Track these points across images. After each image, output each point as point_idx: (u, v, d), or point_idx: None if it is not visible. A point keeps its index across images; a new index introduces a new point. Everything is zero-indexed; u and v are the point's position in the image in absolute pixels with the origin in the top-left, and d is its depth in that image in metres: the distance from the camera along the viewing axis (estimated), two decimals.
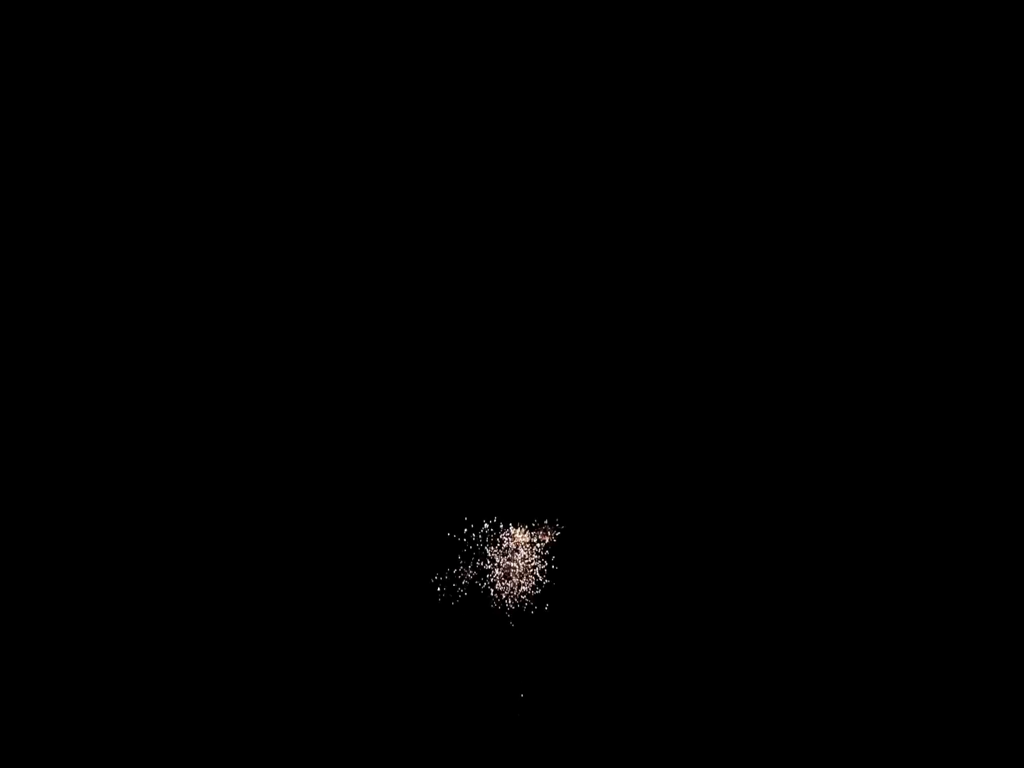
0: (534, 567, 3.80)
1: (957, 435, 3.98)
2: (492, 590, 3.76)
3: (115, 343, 4.20)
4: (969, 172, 4.13)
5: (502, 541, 3.82)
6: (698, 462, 3.99)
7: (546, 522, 3.86)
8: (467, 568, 3.79)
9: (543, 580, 3.79)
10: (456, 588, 3.79)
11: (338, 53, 4.22)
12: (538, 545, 3.83)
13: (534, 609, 3.76)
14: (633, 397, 4.07)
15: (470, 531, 3.78)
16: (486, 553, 3.81)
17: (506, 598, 3.74)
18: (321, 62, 4.25)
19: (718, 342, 4.12)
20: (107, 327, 4.20)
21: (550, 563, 3.82)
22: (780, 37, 4.14)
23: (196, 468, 4.14)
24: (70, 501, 4.05)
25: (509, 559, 3.80)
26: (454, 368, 4.12)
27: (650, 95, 4.21)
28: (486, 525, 3.77)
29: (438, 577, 3.72)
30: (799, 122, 4.18)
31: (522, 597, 3.76)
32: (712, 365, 4.10)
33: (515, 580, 3.77)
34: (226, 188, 4.25)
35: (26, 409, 4.06)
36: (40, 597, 3.93)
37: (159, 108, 4.23)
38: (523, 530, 3.84)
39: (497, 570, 3.79)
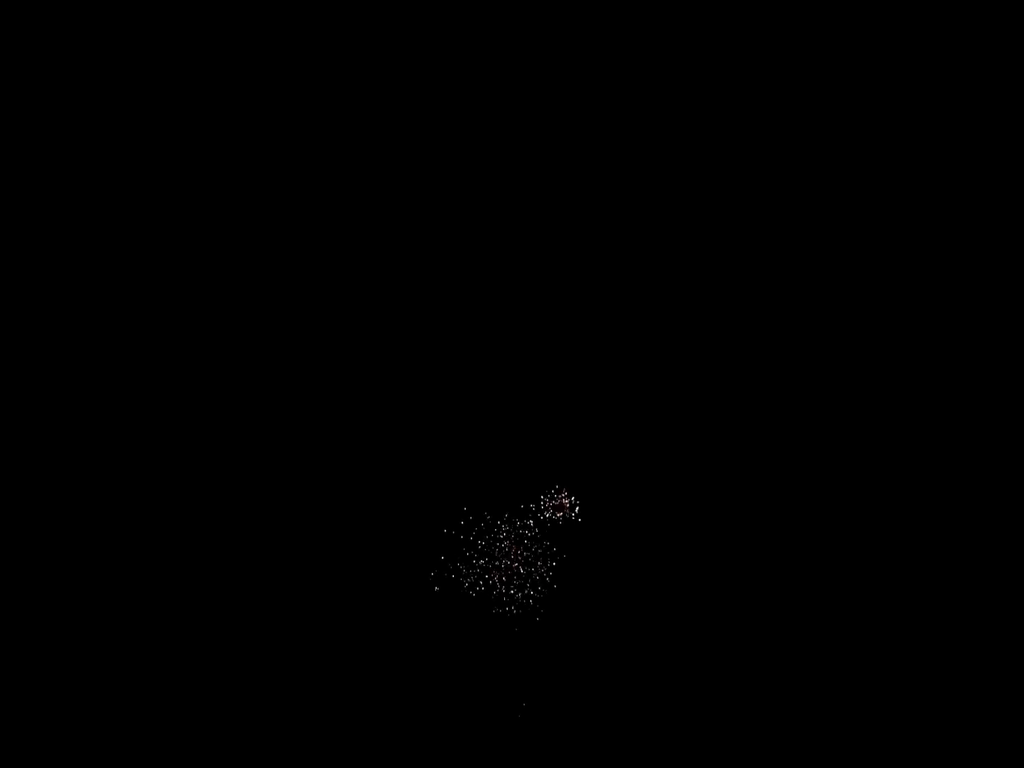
0: (539, 566, 3.79)
1: (957, 436, 3.98)
2: (493, 592, 3.76)
3: (115, 343, 4.21)
4: (969, 172, 4.13)
5: (505, 538, 3.82)
6: (705, 459, 3.99)
7: (550, 518, 3.86)
8: (467, 568, 3.79)
9: (548, 582, 3.78)
10: (456, 589, 3.78)
11: (338, 53, 4.23)
12: (543, 543, 3.82)
13: (538, 612, 3.76)
14: (637, 392, 4.08)
15: (470, 528, 3.78)
16: (488, 551, 3.81)
17: (509, 600, 3.74)
18: (320, 62, 4.25)
19: (719, 342, 4.12)
20: (107, 327, 4.21)
21: (555, 562, 3.81)
22: (780, 37, 4.14)
23: (194, 466, 4.15)
24: (69, 500, 4.06)
25: (512, 559, 3.80)
26: (454, 363, 4.12)
27: (650, 95, 4.22)
28: (488, 518, 3.75)
29: (436, 576, 3.72)
30: (799, 122, 4.19)
31: (525, 599, 3.76)
32: (715, 365, 4.11)
33: (518, 581, 3.77)
34: (226, 188, 4.26)
35: (26, 409, 4.07)
36: (40, 597, 3.94)
37: (158, 108, 4.25)
38: (526, 527, 3.84)
39: (499, 570, 3.79)
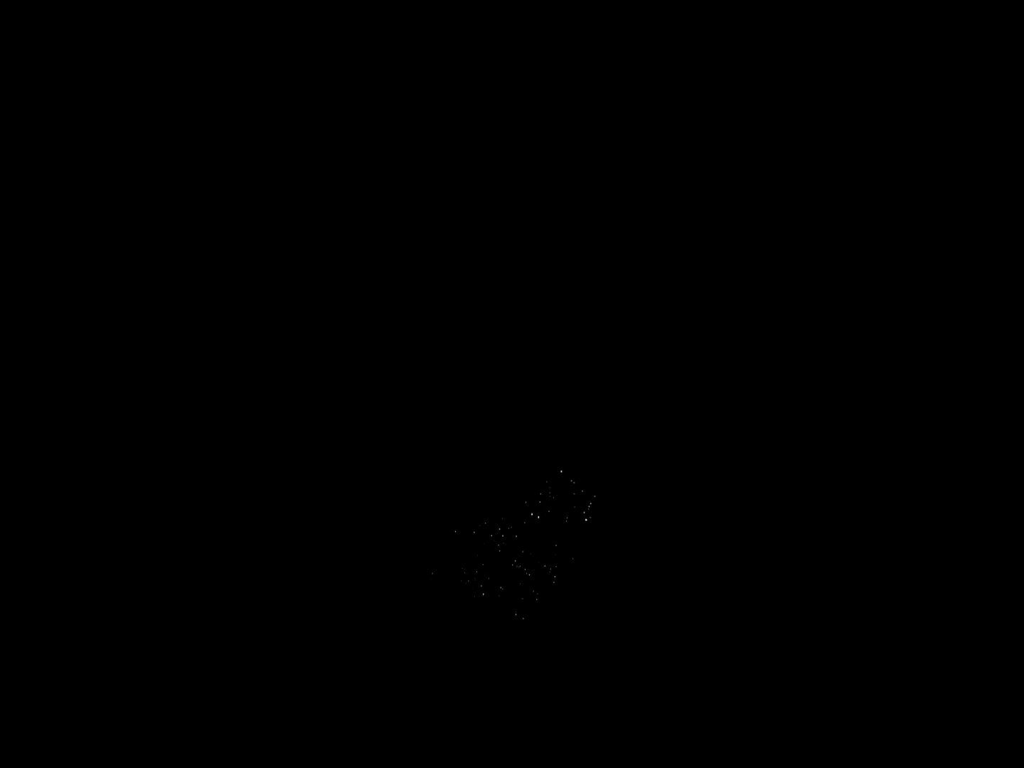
0: (539, 566, 3.79)
1: (957, 436, 3.98)
2: (494, 593, 3.76)
3: (115, 343, 4.21)
4: (969, 172, 4.14)
5: (505, 538, 3.82)
6: (708, 459, 3.99)
7: (552, 518, 3.86)
8: (468, 568, 3.79)
9: (548, 582, 3.78)
10: (456, 590, 3.78)
11: (338, 53, 4.23)
12: (543, 543, 3.82)
13: (539, 613, 3.76)
14: (639, 392, 4.07)
15: (470, 527, 3.78)
16: (488, 551, 3.81)
17: (509, 601, 3.74)
18: (320, 62, 4.25)
19: (720, 340, 4.12)
20: (107, 327, 4.21)
21: (555, 562, 3.81)
22: (780, 37, 4.15)
23: (192, 465, 4.15)
24: (70, 501, 4.05)
25: (512, 559, 3.80)
26: (453, 362, 4.12)
27: (650, 95, 4.22)
28: (488, 517, 3.76)
29: (435, 576, 3.72)
30: (799, 122, 4.19)
31: (526, 600, 3.75)
32: (716, 364, 4.11)
33: (519, 582, 3.76)
34: (226, 188, 4.26)
35: (26, 410, 4.06)
36: (40, 597, 3.93)
37: (158, 108, 4.25)
38: (527, 527, 3.84)
39: (500, 570, 3.79)
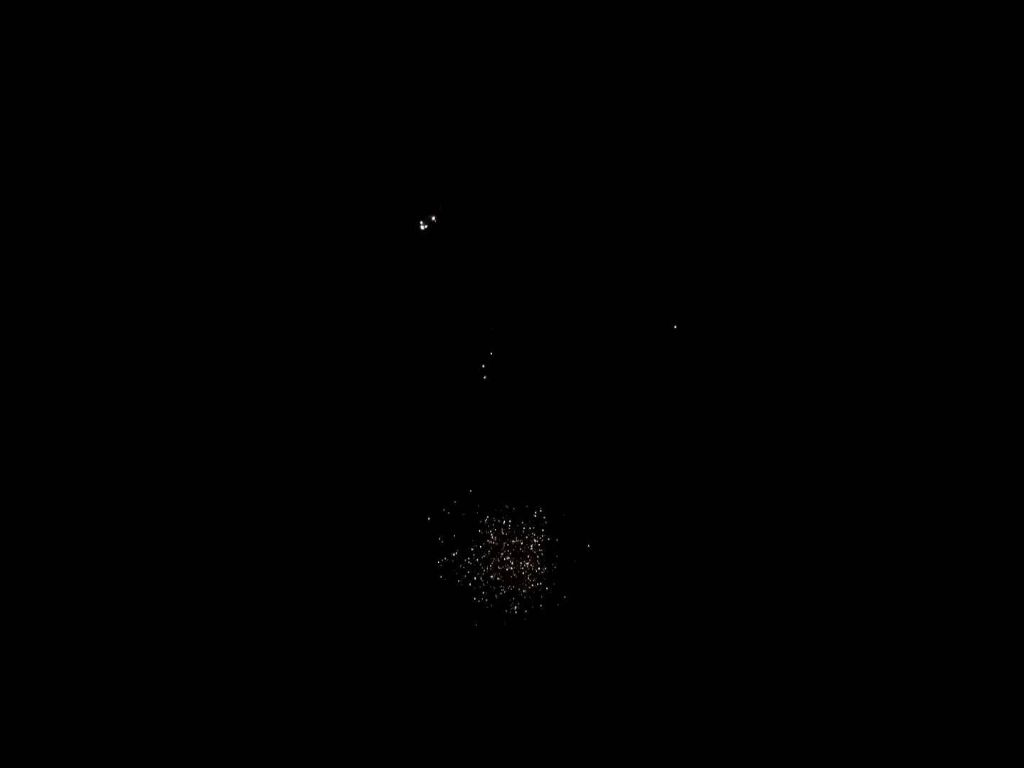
0: (539, 566, 3.80)
1: (957, 436, 3.98)
2: (493, 592, 3.76)
3: (115, 343, 4.21)
4: (969, 172, 4.14)
5: (504, 538, 3.82)
6: (706, 457, 3.99)
7: (550, 516, 3.86)
8: (468, 567, 3.79)
9: (548, 581, 3.78)
10: (455, 589, 3.79)
11: (338, 53, 4.24)
12: (542, 542, 3.83)
13: (539, 612, 3.76)
14: (639, 390, 4.08)
15: (469, 527, 3.79)
16: (487, 550, 3.82)
17: (508, 600, 3.74)
18: (320, 61, 4.26)
19: (718, 342, 4.12)
20: (107, 327, 4.21)
21: (555, 561, 3.82)
22: (780, 37, 4.15)
23: (196, 467, 4.15)
24: (70, 502, 4.06)
25: (510, 557, 3.80)
26: (452, 362, 4.12)
27: (650, 95, 4.22)
28: (487, 516, 3.76)
29: (434, 576, 3.72)
30: (799, 122, 4.19)
31: (525, 599, 3.76)
32: (715, 364, 4.11)
33: (517, 580, 3.77)
34: (226, 188, 4.26)
35: (26, 410, 4.07)
36: (40, 598, 3.94)
37: (158, 108, 4.25)
38: (525, 526, 3.85)
39: (498, 569, 3.79)
